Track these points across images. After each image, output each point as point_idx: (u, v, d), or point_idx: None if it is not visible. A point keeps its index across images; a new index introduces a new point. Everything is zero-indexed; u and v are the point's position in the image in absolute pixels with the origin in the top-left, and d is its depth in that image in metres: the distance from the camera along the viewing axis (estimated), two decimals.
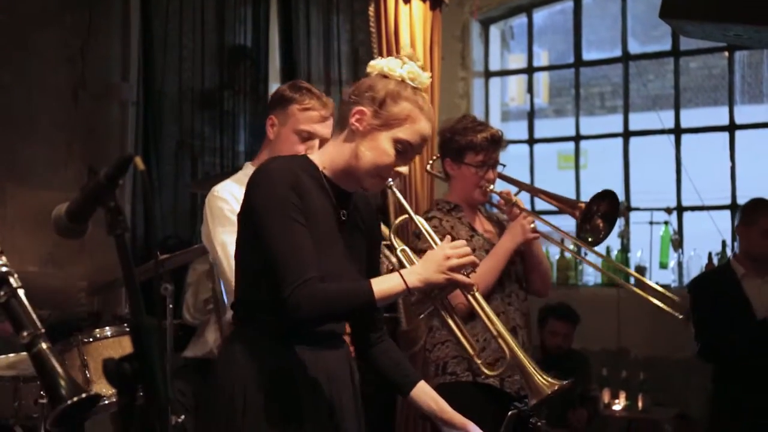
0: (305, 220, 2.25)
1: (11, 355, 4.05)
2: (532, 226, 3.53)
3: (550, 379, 2.53)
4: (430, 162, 4.12)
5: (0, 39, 5.09)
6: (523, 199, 3.76)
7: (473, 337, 3.35)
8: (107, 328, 4.01)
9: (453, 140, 3.58)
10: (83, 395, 1.49)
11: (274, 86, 5.94)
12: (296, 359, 2.33)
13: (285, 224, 2.22)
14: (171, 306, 3.95)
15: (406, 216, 2.49)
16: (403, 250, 2.48)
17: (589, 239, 3.65)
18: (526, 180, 6.75)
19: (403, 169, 2.36)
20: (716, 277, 4.81)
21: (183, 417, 4.03)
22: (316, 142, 3.11)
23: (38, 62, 5.28)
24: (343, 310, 2.29)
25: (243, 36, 5.91)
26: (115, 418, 4.33)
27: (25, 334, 1.57)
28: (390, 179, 2.35)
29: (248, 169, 3.14)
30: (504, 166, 3.68)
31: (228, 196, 3.10)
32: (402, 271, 2.30)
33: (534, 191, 3.91)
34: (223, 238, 3.02)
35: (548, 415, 4.79)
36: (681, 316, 3.77)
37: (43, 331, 1.58)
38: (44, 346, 1.57)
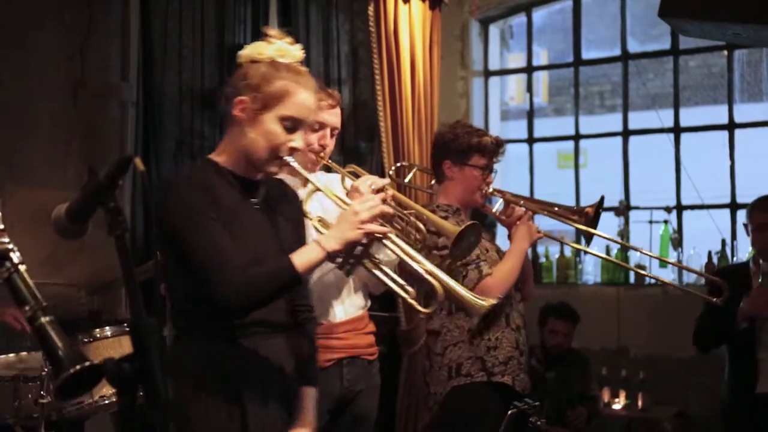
0: (218, 216, 2.29)
1: (11, 354, 4.06)
2: (536, 227, 3.59)
3: (483, 299, 2.53)
4: (393, 168, 4.11)
5: None
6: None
7: (486, 340, 3.47)
8: (107, 327, 4.02)
9: (457, 141, 3.58)
10: (85, 364, 1.50)
11: None
12: (237, 359, 2.37)
13: (198, 226, 2.27)
14: (171, 305, 3.94)
15: (314, 188, 2.54)
16: (319, 220, 2.54)
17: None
18: (526, 180, 6.78)
19: (298, 144, 2.40)
20: (735, 269, 4.79)
21: None
22: (327, 131, 3.12)
23: (38, 61, 5.28)
24: (271, 291, 2.31)
25: (243, 36, 5.90)
26: (115, 418, 4.33)
27: (27, 308, 1.58)
28: (288, 156, 2.39)
29: None
30: (496, 172, 3.68)
31: None
32: (318, 238, 2.35)
33: (528, 202, 3.91)
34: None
35: (548, 413, 4.79)
36: (716, 300, 3.79)
37: (45, 304, 1.59)
38: (45, 319, 1.58)
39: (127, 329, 3.79)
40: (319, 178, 3.19)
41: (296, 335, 2.54)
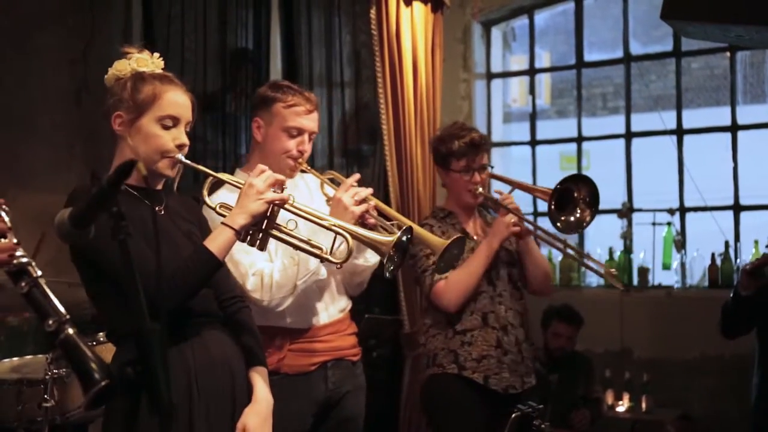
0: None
1: (15, 358, 4.06)
2: (513, 221, 3.61)
3: (390, 234, 2.71)
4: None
5: (1, 41, 5.10)
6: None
7: (460, 334, 3.59)
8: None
9: (437, 150, 3.75)
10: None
11: None
12: (185, 360, 2.41)
13: (109, 242, 2.30)
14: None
15: (211, 177, 2.63)
16: (221, 206, 2.63)
17: (560, 222, 3.66)
18: (528, 182, 6.76)
19: (183, 140, 2.50)
20: None
21: None
22: (306, 136, 3.11)
23: (40, 64, 5.28)
24: (195, 280, 2.37)
25: (245, 39, 5.90)
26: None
27: (50, 322, 1.58)
28: (178, 154, 2.48)
29: (239, 176, 3.12)
30: (492, 167, 3.80)
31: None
32: (224, 219, 2.46)
33: (525, 188, 3.95)
34: None
35: (552, 416, 4.79)
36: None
37: (68, 317, 1.59)
38: (71, 331, 1.57)
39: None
40: (297, 183, 3.22)
41: (234, 326, 2.61)
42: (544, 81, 10.25)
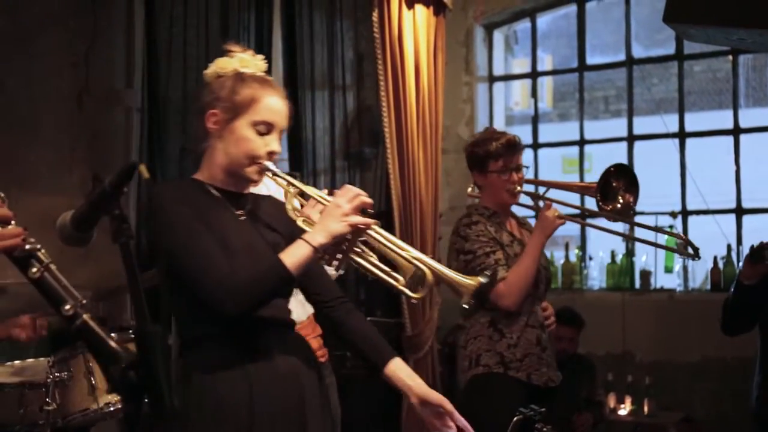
0: (204, 228, 2.31)
1: (17, 362, 4.06)
2: (557, 213, 3.67)
3: (472, 279, 2.54)
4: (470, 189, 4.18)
5: (4, 43, 5.10)
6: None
7: (507, 338, 3.61)
8: (112, 334, 4.01)
9: (474, 153, 3.79)
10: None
11: None
12: (249, 369, 2.36)
13: (185, 237, 2.30)
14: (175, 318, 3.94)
15: (297, 189, 2.52)
16: (304, 220, 2.50)
17: (610, 212, 3.75)
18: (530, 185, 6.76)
19: (275, 147, 2.43)
20: None
21: None
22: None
23: (42, 67, 5.29)
24: (264, 292, 2.32)
25: (247, 42, 5.90)
26: (120, 425, 4.33)
27: (67, 307, 1.56)
28: (266, 162, 2.41)
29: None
30: (527, 167, 3.84)
31: None
32: (304, 235, 2.36)
33: (563, 186, 3.99)
34: None
35: (554, 420, 4.78)
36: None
37: (84, 302, 1.57)
38: (87, 316, 1.56)
39: (132, 336, 3.80)
40: (260, 188, 3.20)
41: (351, 328, 2.55)
42: (546, 84, 10.25)
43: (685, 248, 3.92)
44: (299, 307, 3.17)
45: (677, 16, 4.10)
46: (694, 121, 6.57)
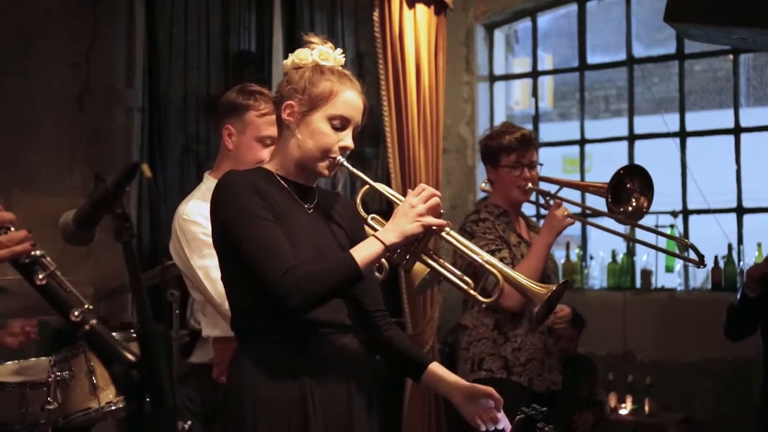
0: (272, 217, 2.30)
1: (20, 360, 4.06)
2: (566, 212, 3.62)
3: (543, 286, 2.57)
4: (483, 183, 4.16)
5: (4, 44, 5.10)
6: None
7: (511, 341, 3.60)
8: (114, 334, 4.01)
9: (487, 146, 3.76)
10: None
11: None
12: (302, 367, 2.35)
13: (254, 225, 2.28)
14: (177, 312, 3.94)
15: (368, 186, 2.51)
16: (373, 218, 2.51)
17: (620, 214, 3.67)
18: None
19: (349, 143, 2.42)
20: None
21: (190, 423, 4.02)
22: None
23: (43, 68, 5.28)
24: (331, 287, 2.29)
25: (247, 41, 5.90)
26: (122, 425, 4.33)
27: (76, 313, 1.55)
28: (339, 156, 2.41)
29: (209, 182, 3.06)
30: (542, 165, 3.81)
31: (199, 218, 3.03)
32: (376, 233, 2.34)
33: (575, 186, 3.96)
34: (203, 262, 2.98)
35: (555, 419, 4.78)
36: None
37: (90, 307, 1.57)
38: (94, 321, 1.56)
39: (134, 335, 3.80)
40: None
41: (389, 341, 2.58)
42: (546, 83, 10.25)
43: (690, 255, 3.88)
44: None
45: (678, 16, 4.09)
46: (695, 120, 6.57)
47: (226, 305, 2.71)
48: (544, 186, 3.82)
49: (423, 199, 2.34)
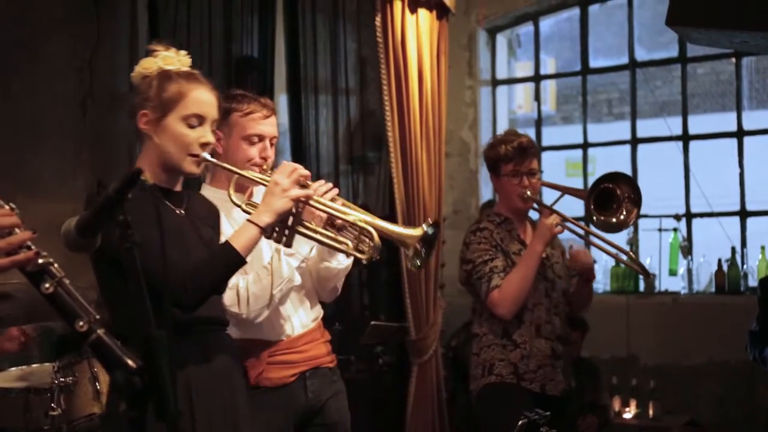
0: (148, 222, 2.30)
1: (23, 366, 4.07)
2: (556, 221, 3.61)
3: (415, 228, 2.71)
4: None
5: (8, 49, 5.11)
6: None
7: (521, 348, 3.61)
8: (117, 340, 4.01)
9: (487, 156, 3.80)
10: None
11: (280, 96, 5.95)
12: (186, 360, 2.42)
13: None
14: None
15: (236, 175, 2.67)
16: (247, 203, 2.64)
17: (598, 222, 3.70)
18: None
19: (209, 138, 2.52)
20: None
21: None
22: (267, 142, 3.08)
23: (46, 72, 5.30)
24: (218, 276, 2.42)
25: (250, 46, 5.91)
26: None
27: (81, 323, 1.55)
28: (201, 152, 2.49)
29: (206, 190, 3.10)
30: (542, 172, 3.83)
31: None
32: (250, 216, 2.48)
33: (568, 191, 3.95)
34: None
35: (558, 423, 4.77)
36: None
37: (98, 317, 1.57)
38: (101, 331, 1.56)
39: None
40: (261, 190, 3.21)
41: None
42: (549, 87, 10.25)
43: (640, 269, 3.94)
44: (304, 312, 3.17)
45: (680, 19, 4.09)
46: (698, 123, 6.57)
47: (226, 300, 2.81)
48: (547, 192, 3.85)
49: (286, 174, 2.51)
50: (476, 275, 3.61)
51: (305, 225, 2.61)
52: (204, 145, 2.49)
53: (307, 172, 2.58)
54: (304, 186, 2.56)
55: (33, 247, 1.65)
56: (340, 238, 2.65)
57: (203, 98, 2.51)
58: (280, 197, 2.48)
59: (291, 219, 2.55)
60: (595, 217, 3.67)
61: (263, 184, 2.58)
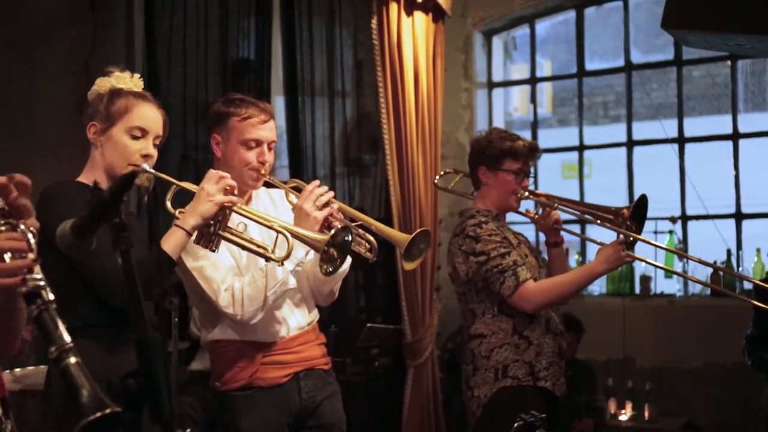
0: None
1: (17, 369, 4.06)
2: (626, 251, 3.49)
3: (324, 233, 2.81)
4: (439, 175, 4.14)
5: (5, 53, 5.11)
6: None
7: (535, 345, 3.53)
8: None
9: (491, 147, 3.62)
10: (106, 411, 1.49)
11: (277, 99, 5.95)
12: (105, 366, 2.41)
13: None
14: (176, 320, 3.95)
15: (175, 186, 2.81)
16: (179, 212, 2.76)
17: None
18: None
19: (150, 151, 2.73)
20: None
21: (189, 430, 4.02)
22: (264, 146, 3.09)
23: (43, 76, 5.29)
24: (152, 273, 2.52)
25: (246, 49, 5.91)
26: None
27: (52, 349, 1.58)
28: (142, 163, 2.69)
29: None
30: (534, 177, 3.76)
31: None
32: (177, 221, 2.67)
33: (566, 203, 3.90)
34: (198, 263, 3.02)
35: (554, 426, 4.77)
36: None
37: (71, 346, 1.58)
38: (72, 360, 1.57)
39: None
40: (260, 194, 3.21)
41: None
42: (545, 90, 10.25)
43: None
44: (299, 314, 3.17)
45: (676, 22, 4.10)
46: (693, 126, 6.58)
47: (222, 302, 2.93)
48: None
49: (213, 182, 2.68)
50: (496, 268, 3.45)
51: (230, 231, 2.75)
52: (145, 156, 2.69)
53: (233, 183, 2.73)
54: (229, 194, 2.71)
55: (28, 276, 1.67)
56: (259, 243, 2.77)
57: (148, 114, 2.72)
58: (205, 202, 2.65)
59: (216, 225, 2.70)
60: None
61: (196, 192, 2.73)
